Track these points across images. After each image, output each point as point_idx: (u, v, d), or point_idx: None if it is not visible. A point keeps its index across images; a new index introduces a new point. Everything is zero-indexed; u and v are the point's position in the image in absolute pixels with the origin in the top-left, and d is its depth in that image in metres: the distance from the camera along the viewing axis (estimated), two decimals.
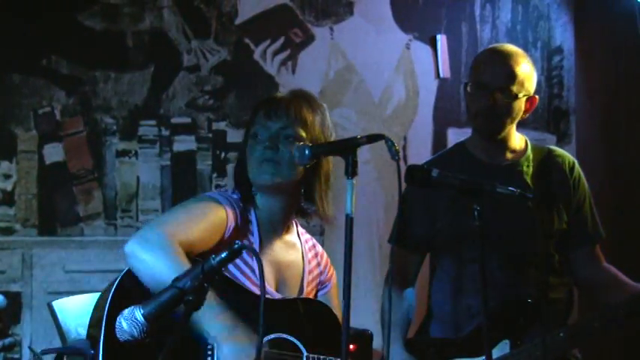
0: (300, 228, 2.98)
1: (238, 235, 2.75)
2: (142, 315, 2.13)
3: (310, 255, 2.96)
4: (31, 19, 4.17)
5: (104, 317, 2.50)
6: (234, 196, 2.81)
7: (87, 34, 4.26)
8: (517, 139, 3.34)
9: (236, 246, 2.17)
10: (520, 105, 3.24)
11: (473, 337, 3.16)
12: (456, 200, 3.06)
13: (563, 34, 4.83)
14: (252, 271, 2.76)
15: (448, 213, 3.27)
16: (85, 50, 4.26)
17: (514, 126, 3.30)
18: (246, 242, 2.73)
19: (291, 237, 2.93)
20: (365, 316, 4.31)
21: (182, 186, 4.32)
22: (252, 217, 2.82)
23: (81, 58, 4.26)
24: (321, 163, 2.84)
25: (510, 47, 3.32)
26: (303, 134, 2.79)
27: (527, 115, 3.30)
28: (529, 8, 4.79)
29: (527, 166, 3.31)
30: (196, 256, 2.62)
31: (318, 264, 2.98)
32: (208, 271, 2.15)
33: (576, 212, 3.34)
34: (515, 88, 3.21)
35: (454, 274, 3.31)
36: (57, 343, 2.89)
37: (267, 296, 2.70)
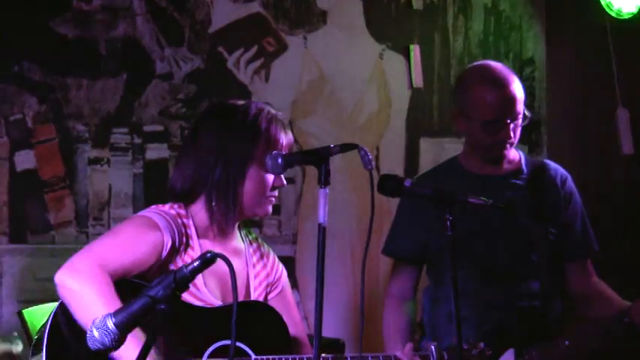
0: (243, 231, 2.91)
1: (178, 252, 2.70)
2: (114, 324, 2.12)
3: (255, 259, 2.89)
4: (3, 25, 4.14)
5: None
6: (171, 212, 2.74)
7: (59, 40, 4.24)
8: (511, 152, 3.35)
9: (209, 255, 2.16)
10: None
11: (487, 342, 3.15)
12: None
13: (534, 46, 4.86)
14: (194, 286, 2.70)
15: (435, 223, 3.27)
16: (57, 57, 4.24)
17: None
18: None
19: (234, 243, 2.85)
20: (336, 325, 4.31)
21: (154, 194, 4.30)
22: (192, 232, 2.75)
23: (53, 65, 4.23)
24: None
25: (500, 71, 3.25)
26: None
27: None
28: (501, 19, 4.82)
29: (521, 179, 3.32)
30: (134, 278, 2.60)
31: (265, 265, 2.90)
32: (180, 280, 2.15)
33: (568, 226, 3.33)
34: (524, 110, 3.22)
35: (437, 282, 3.33)
36: (27, 352, 2.87)
37: (206, 306, 2.70)
